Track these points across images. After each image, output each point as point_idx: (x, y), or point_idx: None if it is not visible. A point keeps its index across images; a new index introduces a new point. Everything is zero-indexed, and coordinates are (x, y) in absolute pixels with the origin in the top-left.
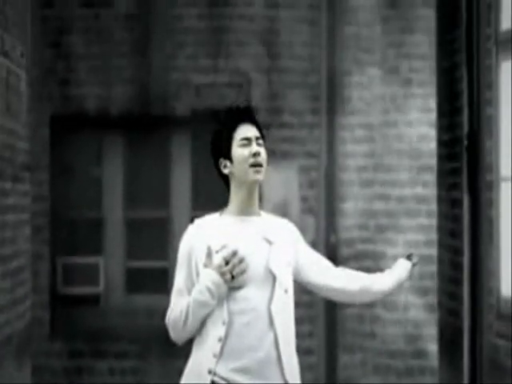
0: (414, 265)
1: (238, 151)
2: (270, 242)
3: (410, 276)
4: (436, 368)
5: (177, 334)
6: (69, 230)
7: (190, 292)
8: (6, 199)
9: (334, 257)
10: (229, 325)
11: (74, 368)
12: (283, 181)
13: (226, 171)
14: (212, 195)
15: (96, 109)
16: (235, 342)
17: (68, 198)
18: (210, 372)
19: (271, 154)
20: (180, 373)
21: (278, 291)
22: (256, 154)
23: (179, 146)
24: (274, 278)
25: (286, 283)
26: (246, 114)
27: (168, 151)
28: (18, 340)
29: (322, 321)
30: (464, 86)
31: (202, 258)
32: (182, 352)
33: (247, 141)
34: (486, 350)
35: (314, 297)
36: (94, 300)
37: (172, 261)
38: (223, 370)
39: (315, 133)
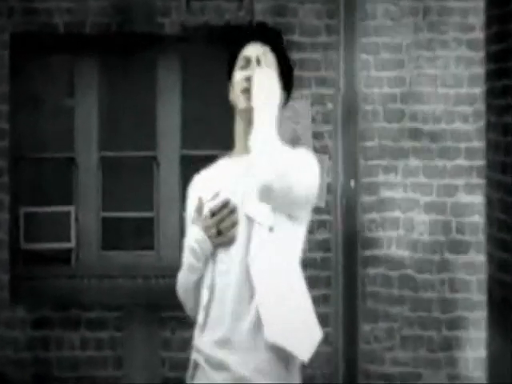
0: None
1: (236, 74)
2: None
3: None
4: (480, 339)
5: (187, 306)
6: (33, 174)
7: None
8: None
9: (354, 205)
10: (211, 289)
11: (40, 339)
12: (292, 113)
13: (229, 97)
14: (205, 130)
15: (66, 25)
16: (216, 309)
17: (33, 135)
18: (194, 349)
19: None
20: (165, 344)
21: (259, 233)
22: (250, 79)
23: (167, 71)
24: (252, 223)
25: (270, 220)
26: (257, 31)
27: (154, 77)
28: None
29: (340, 283)
30: None
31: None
32: (167, 320)
33: (246, 62)
34: None
35: (328, 253)
36: (64, 257)
37: (158, 210)
38: (207, 343)
39: (331, 55)
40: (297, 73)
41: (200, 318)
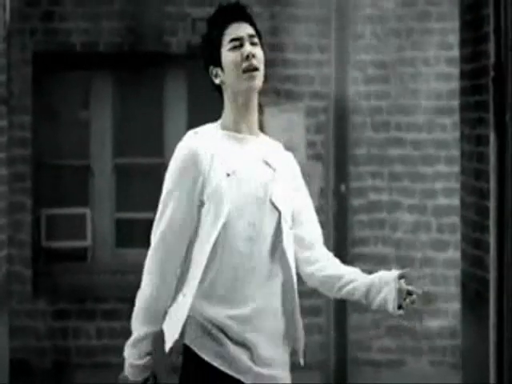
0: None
1: (229, 55)
2: (271, 168)
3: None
4: (457, 329)
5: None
6: (53, 179)
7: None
8: None
9: (344, 208)
10: (220, 261)
11: (59, 329)
12: (288, 124)
13: (217, 81)
14: None
15: (83, 45)
16: (236, 286)
17: (52, 144)
18: (200, 316)
19: (275, 94)
20: None
21: (285, 227)
22: (249, 56)
23: (174, 86)
24: (279, 213)
25: (289, 220)
26: (237, 11)
27: (162, 91)
28: None
29: None
30: (490, 10)
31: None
32: None
33: (238, 41)
34: None
35: None
36: (81, 255)
37: None
38: (220, 315)
39: (324, 71)
40: (292, 87)
41: (204, 286)
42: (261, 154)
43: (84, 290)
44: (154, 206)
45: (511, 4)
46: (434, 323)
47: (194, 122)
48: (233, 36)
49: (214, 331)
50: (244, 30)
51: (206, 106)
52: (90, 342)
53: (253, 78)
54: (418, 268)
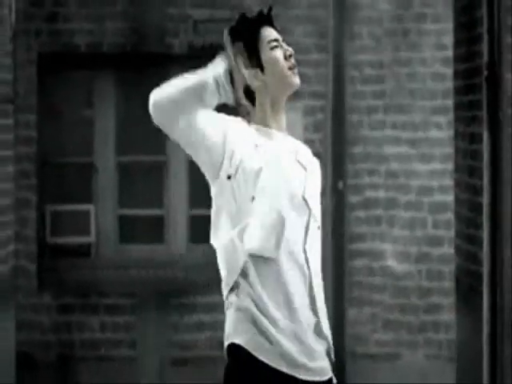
0: None
1: (272, 54)
2: (304, 168)
3: None
4: (451, 323)
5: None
6: (58, 176)
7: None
8: None
9: (342, 204)
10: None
11: (63, 323)
12: (287, 123)
13: (256, 84)
14: None
15: (87, 46)
16: (279, 289)
17: (57, 142)
18: (254, 306)
19: None
20: (174, 327)
21: (313, 226)
22: (291, 56)
23: None
24: (310, 211)
25: (319, 219)
26: (268, 17)
27: None
28: None
29: (330, 273)
30: (483, 11)
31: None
32: (175, 306)
33: (277, 42)
34: (507, 298)
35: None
36: (85, 250)
37: (168, 209)
38: (272, 311)
39: (322, 71)
40: None
41: (255, 286)
42: (293, 150)
43: (88, 285)
44: (156, 203)
45: (504, 5)
46: (429, 317)
47: None
48: (272, 37)
49: (268, 327)
50: (275, 32)
51: None
52: (93, 336)
53: (296, 75)
54: None
